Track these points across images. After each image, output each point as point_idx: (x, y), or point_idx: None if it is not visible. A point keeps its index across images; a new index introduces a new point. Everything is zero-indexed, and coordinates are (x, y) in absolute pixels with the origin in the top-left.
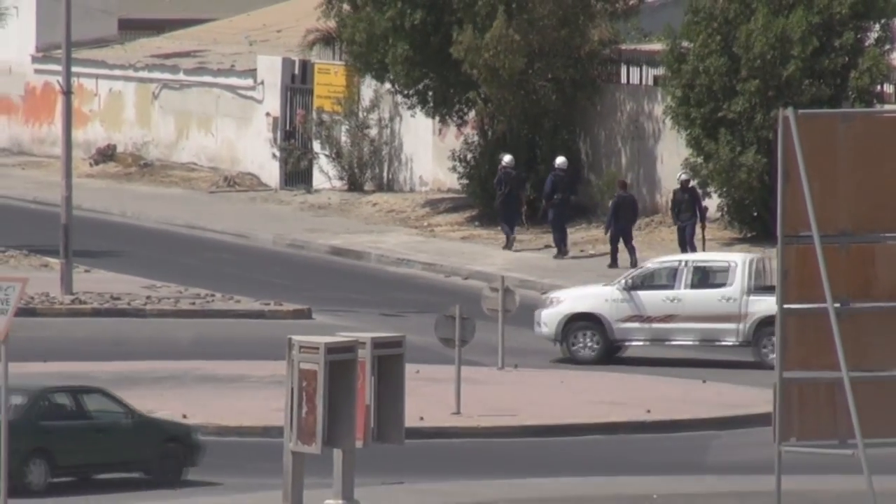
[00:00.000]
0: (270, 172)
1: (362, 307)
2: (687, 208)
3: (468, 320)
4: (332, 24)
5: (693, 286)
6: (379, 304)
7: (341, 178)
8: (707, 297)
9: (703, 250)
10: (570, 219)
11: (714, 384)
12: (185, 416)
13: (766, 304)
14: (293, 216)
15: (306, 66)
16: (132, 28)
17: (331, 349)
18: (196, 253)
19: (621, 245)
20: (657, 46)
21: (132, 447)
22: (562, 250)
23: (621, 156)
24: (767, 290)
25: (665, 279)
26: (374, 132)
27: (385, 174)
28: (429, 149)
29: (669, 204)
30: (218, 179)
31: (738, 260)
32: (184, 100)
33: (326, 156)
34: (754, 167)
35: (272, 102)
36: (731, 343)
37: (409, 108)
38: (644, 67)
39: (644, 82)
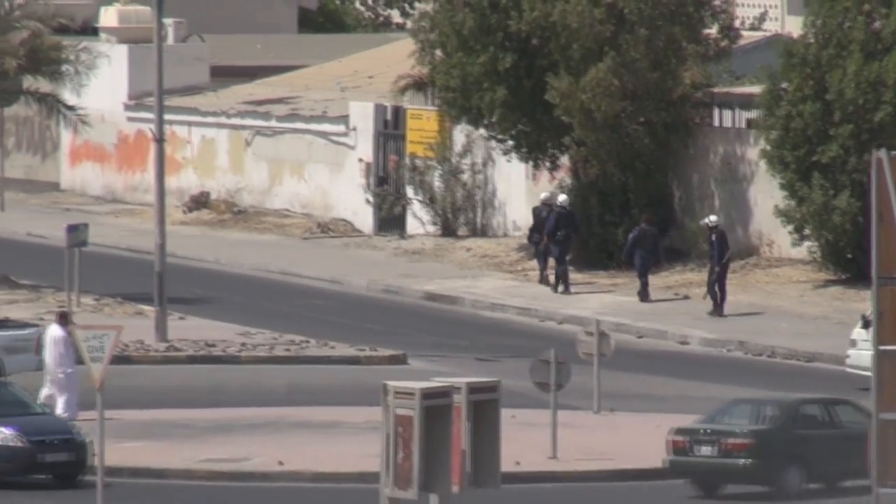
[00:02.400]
0: (364, 218)
1: (457, 352)
2: (646, 247)
3: (563, 364)
4: (424, 69)
5: None
6: (474, 349)
7: (435, 224)
8: None
9: (709, 294)
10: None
11: None
12: (281, 463)
13: None
14: (387, 262)
15: (398, 112)
16: (224, 75)
17: (426, 395)
18: (290, 299)
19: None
20: (750, 89)
21: None
22: (566, 286)
23: (714, 198)
24: None
25: None
26: (467, 177)
27: (479, 219)
28: (522, 193)
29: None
30: (311, 225)
31: None
32: (276, 146)
33: (420, 201)
34: (848, 210)
35: (365, 148)
36: None
37: (505, 153)
38: (736, 110)
39: (736, 125)
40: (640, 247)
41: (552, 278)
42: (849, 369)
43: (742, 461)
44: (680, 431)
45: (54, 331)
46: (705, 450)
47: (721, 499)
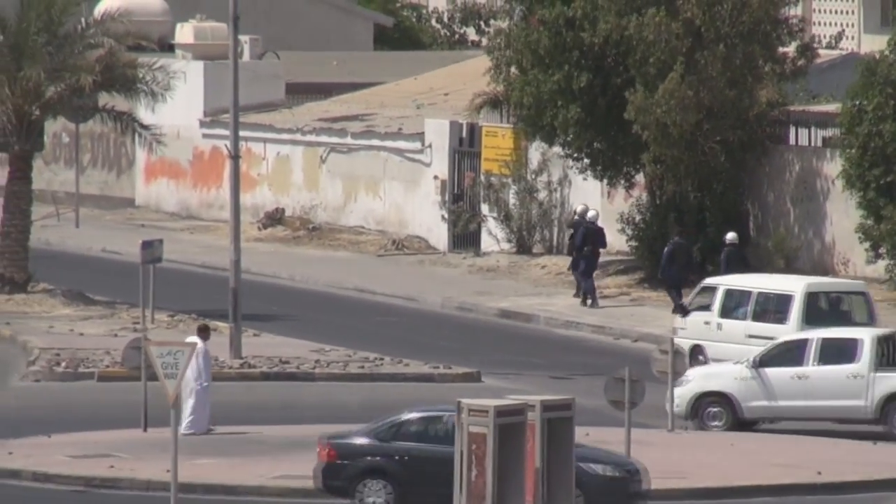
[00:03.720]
0: (439, 235)
1: (531, 370)
2: (737, 266)
3: (638, 382)
4: (499, 87)
5: (821, 363)
6: (548, 367)
7: (510, 241)
8: (835, 374)
9: None
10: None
11: (885, 446)
12: None
13: (892, 381)
14: (461, 279)
15: (474, 129)
16: (299, 92)
17: (500, 412)
18: (365, 316)
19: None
20: (826, 107)
21: None
22: (593, 300)
23: (790, 217)
24: (893, 366)
25: (793, 356)
26: (542, 195)
27: (554, 236)
28: (598, 211)
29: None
30: (386, 242)
31: (866, 336)
32: (351, 163)
33: (495, 218)
34: None
35: (440, 165)
36: (857, 418)
37: (580, 171)
38: (812, 128)
39: (813, 143)
40: (675, 261)
41: (582, 295)
42: None
43: None
44: None
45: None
46: None
47: None
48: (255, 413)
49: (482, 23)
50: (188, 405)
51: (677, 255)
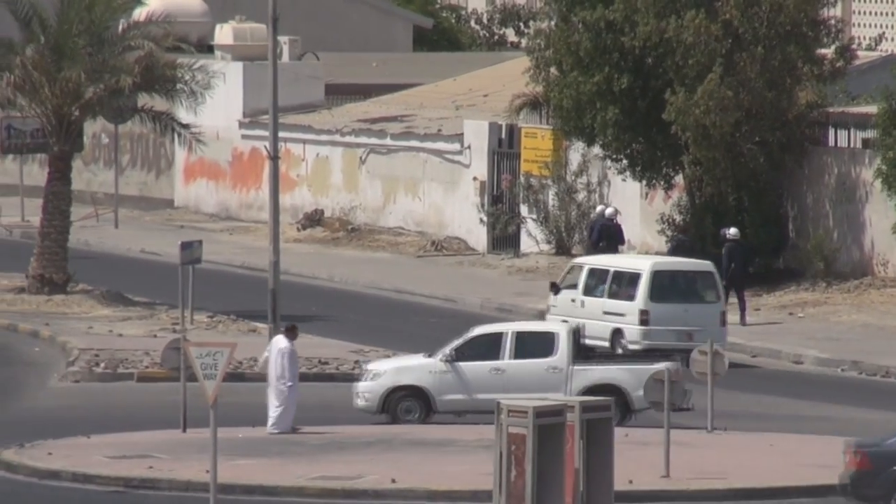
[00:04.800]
0: (478, 236)
1: None
2: (739, 260)
3: (677, 384)
4: (539, 88)
5: (517, 356)
6: None
7: (549, 242)
8: (533, 368)
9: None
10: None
11: None
12: (394, 481)
13: (591, 374)
14: (501, 280)
15: (513, 131)
16: (339, 93)
17: (540, 413)
18: (404, 317)
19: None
20: (865, 109)
21: None
22: None
23: (829, 219)
24: (587, 359)
25: (488, 349)
26: (581, 196)
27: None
28: (637, 212)
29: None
30: (425, 244)
31: (562, 329)
32: (391, 164)
33: (534, 220)
34: None
35: (479, 167)
36: None
37: (620, 172)
38: (852, 130)
39: (852, 145)
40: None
41: None
42: None
43: None
44: None
45: (280, 342)
46: None
47: None
48: (295, 413)
49: (521, 24)
50: (270, 404)
51: (678, 251)
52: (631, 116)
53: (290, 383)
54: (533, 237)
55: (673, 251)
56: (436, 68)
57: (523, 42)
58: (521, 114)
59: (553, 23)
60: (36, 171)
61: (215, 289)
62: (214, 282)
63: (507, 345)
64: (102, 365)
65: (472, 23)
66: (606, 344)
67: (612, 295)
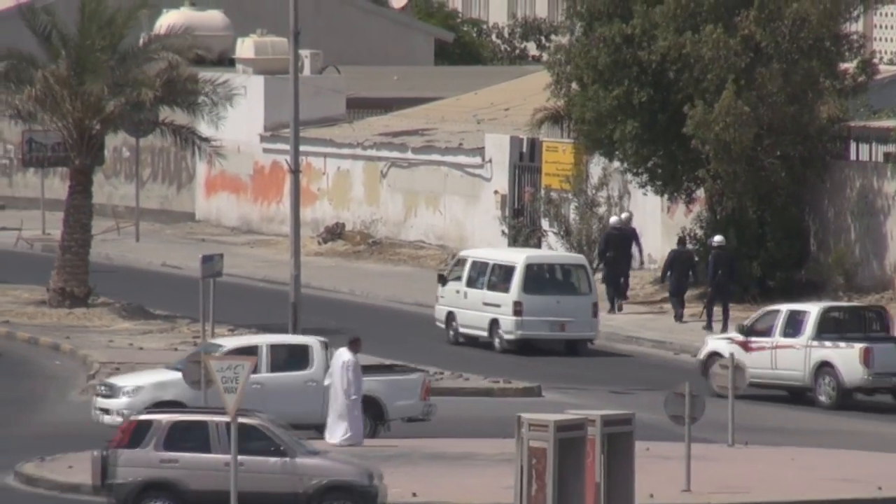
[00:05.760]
0: None
1: (591, 385)
2: (724, 268)
3: (698, 397)
4: (560, 102)
5: (274, 370)
6: (608, 382)
7: None
8: (291, 381)
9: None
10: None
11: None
12: (415, 495)
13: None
14: None
15: (534, 144)
16: (360, 107)
17: (560, 427)
18: (425, 331)
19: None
20: (887, 123)
21: None
22: (615, 306)
23: (850, 232)
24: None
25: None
26: (602, 209)
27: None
28: (658, 226)
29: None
30: (446, 257)
31: (314, 341)
32: (412, 178)
33: (555, 233)
34: None
35: (500, 180)
36: (309, 423)
37: (641, 186)
38: (873, 144)
39: (873, 159)
40: (674, 269)
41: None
42: None
43: None
44: None
45: (344, 355)
46: None
47: None
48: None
49: (542, 37)
50: (331, 416)
51: (676, 263)
52: (651, 130)
53: (354, 396)
54: (554, 250)
55: (669, 263)
56: (457, 82)
57: (544, 56)
58: (543, 128)
59: (574, 37)
60: (57, 185)
61: (236, 302)
62: (235, 295)
63: (264, 358)
64: None
65: (494, 37)
66: (486, 334)
67: (491, 287)
